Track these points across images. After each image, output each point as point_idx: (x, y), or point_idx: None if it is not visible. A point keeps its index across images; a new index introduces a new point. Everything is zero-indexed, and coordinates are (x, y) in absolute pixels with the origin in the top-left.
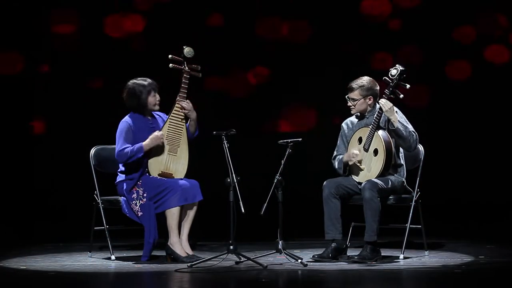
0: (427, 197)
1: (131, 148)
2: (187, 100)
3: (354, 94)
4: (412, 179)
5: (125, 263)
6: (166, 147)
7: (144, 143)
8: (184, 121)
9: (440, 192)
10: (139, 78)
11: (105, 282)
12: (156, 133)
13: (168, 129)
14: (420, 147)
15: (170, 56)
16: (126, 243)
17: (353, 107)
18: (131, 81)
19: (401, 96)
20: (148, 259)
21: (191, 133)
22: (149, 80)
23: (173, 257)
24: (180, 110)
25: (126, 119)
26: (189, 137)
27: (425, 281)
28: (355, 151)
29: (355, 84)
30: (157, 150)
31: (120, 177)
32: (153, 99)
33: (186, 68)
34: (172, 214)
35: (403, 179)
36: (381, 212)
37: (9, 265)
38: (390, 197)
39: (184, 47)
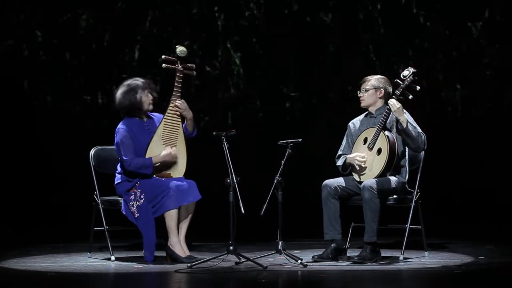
0: (427, 197)
1: (142, 162)
2: (182, 100)
3: (367, 85)
4: (412, 180)
5: (125, 263)
6: (162, 147)
7: (154, 159)
8: (180, 120)
9: (439, 193)
10: (130, 79)
11: (105, 282)
12: (171, 151)
13: (163, 128)
14: None
15: (163, 56)
16: (126, 243)
17: (363, 98)
18: (123, 83)
19: (410, 97)
20: (153, 259)
21: (189, 133)
22: (141, 79)
23: (173, 258)
24: (175, 110)
25: (122, 126)
26: (187, 136)
27: (425, 282)
28: (360, 157)
29: (371, 76)
30: (154, 150)
31: (118, 178)
32: (147, 98)
33: (180, 67)
34: (171, 216)
35: (404, 181)
36: (381, 213)
37: (9, 265)
38: (390, 197)
39: (177, 46)
